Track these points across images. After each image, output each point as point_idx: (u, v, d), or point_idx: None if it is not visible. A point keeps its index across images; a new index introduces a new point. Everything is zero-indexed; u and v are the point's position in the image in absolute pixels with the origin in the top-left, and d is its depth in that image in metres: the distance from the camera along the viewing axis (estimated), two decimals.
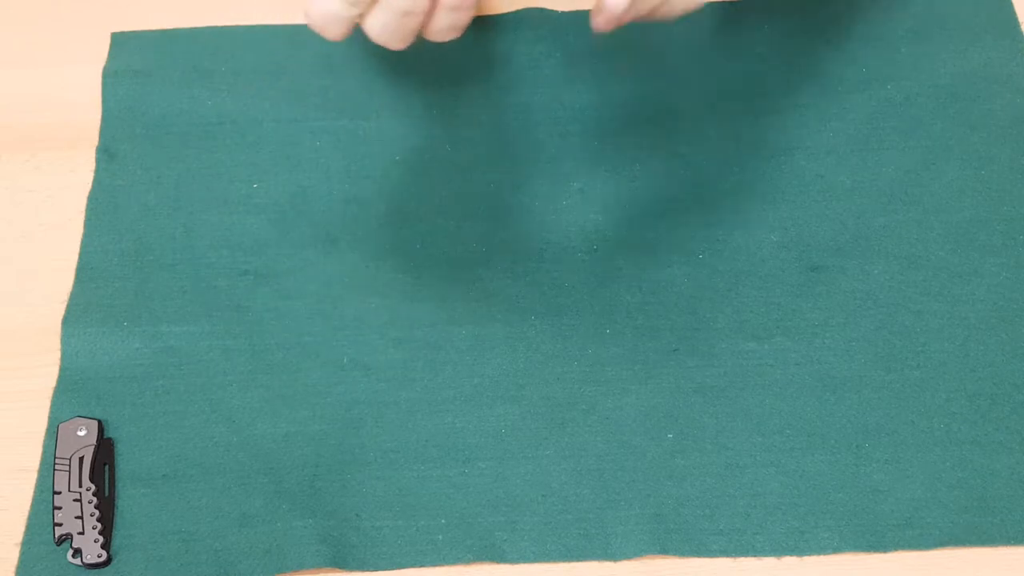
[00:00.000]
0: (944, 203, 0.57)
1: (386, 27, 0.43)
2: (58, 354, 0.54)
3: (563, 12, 0.65)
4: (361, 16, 0.43)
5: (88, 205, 0.59)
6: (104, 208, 0.59)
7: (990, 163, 0.58)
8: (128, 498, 0.50)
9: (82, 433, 0.51)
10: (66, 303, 0.56)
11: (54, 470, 0.50)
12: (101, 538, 0.48)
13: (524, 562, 0.48)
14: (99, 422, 0.51)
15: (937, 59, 0.62)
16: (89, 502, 0.49)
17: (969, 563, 0.48)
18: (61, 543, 0.49)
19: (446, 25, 0.44)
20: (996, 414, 0.51)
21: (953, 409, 0.51)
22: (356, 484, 0.50)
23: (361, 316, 0.55)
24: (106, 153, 0.61)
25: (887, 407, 0.51)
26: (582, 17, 0.65)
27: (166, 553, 0.49)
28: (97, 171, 0.60)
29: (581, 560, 0.48)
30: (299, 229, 0.58)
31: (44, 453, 0.51)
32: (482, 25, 0.64)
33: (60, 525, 0.49)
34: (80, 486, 0.50)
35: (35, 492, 0.50)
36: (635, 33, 0.63)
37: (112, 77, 0.63)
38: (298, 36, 0.65)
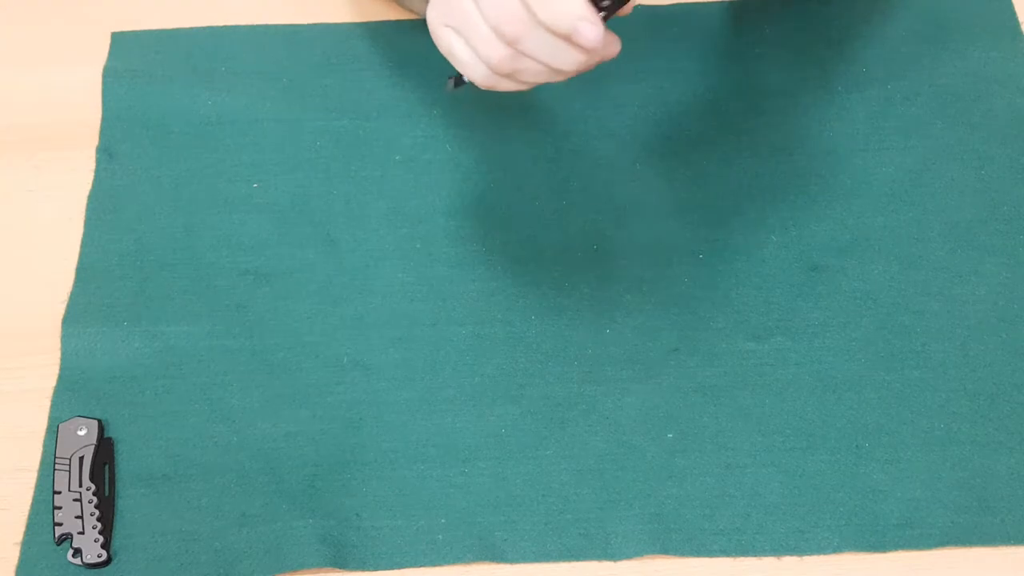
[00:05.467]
0: (944, 203, 0.57)
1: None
2: (58, 354, 0.54)
3: None
4: None
5: (88, 205, 0.59)
6: (104, 208, 0.59)
7: (990, 163, 0.58)
8: (128, 498, 0.50)
9: (82, 433, 0.51)
10: (66, 303, 0.56)
11: (54, 470, 0.50)
12: (101, 538, 0.48)
13: (524, 562, 0.48)
14: (99, 422, 0.51)
15: (937, 59, 0.62)
16: (89, 502, 0.49)
17: (969, 563, 0.48)
18: (61, 543, 0.49)
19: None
20: (996, 414, 0.51)
21: (953, 409, 0.51)
22: (356, 484, 0.50)
23: (361, 316, 0.55)
24: (106, 153, 0.61)
25: (887, 407, 0.51)
26: None
27: (166, 553, 0.49)
28: (97, 171, 0.60)
29: (581, 560, 0.48)
30: (299, 229, 0.58)
31: (44, 453, 0.51)
32: None
33: (60, 525, 0.49)
34: (80, 486, 0.50)
35: (35, 492, 0.50)
36: (635, 33, 0.64)
37: (112, 77, 0.63)
38: (298, 36, 0.65)
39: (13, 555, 0.49)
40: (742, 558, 0.48)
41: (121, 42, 0.65)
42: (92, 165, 0.60)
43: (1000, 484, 0.49)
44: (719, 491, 0.49)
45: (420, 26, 0.64)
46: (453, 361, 0.53)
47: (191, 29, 0.65)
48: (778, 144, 0.60)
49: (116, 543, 0.49)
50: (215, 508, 0.50)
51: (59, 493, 0.50)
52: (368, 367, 0.53)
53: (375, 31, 0.65)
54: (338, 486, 0.50)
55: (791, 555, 0.48)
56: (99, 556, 0.48)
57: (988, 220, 0.56)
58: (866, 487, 0.49)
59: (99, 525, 0.49)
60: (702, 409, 0.52)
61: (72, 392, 0.53)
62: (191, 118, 0.62)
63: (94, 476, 0.50)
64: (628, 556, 0.48)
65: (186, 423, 0.52)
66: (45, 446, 0.51)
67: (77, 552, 0.48)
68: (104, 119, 0.62)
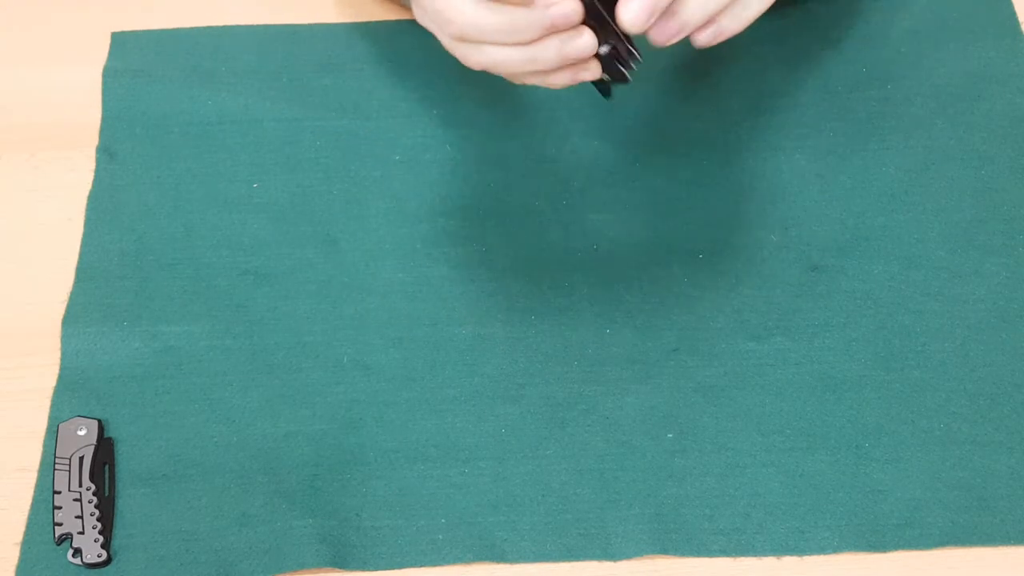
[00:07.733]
0: (944, 203, 0.57)
1: None
2: (58, 354, 0.54)
3: None
4: None
5: (88, 205, 0.59)
6: (104, 208, 0.59)
7: (990, 163, 0.58)
8: (128, 498, 0.50)
9: (82, 433, 0.51)
10: (66, 303, 0.56)
11: (54, 470, 0.50)
12: (101, 538, 0.48)
13: (524, 562, 0.48)
14: (99, 422, 0.51)
15: (937, 59, 0.62)
16: (89, 502, 0.49)
17: (969, 563, 0.48)
18: (61, 543, 0.49)
19: None
20: (996, 414, 0.51)
21: (953, 409, 0.51)
22: (356, 484, 0.50)
23: (361, 316, 0.55)
24: (106, 153, 0.61)
25: (887, 407, 0.51)
26: None
27: (166, 553, 0.49)
28: (97, 171, 0.60)
29: (581, 560, 0.48)
30: (299, 229, 0.58)
31: (44, 453, 0.51)
32: None
33: (60, 525, 0.49)
34: (80, 486, 0.50)
35: (35, 492, 0.50)
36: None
37: (112, 77, 0.63)
38: (298, 36, 0.65)
39: (13, 555, 0.49)
40: (742, 558, 0.48)
41: (121, 42, 0.65)
42: (92, 165, 0.60)
43: (1000, 484, 0.49)
44: (719, 491, 0.49)
45: (420, 26, 0.63)
46: (453, 361, 0.53)
47: (191, 29, 0.65)
48: (778, 144, 0.60)
49: (116, 543, 0.49)
50: (215, 508, 0.50)
51: (59, 493, 0.50)
52: (368, 367, 0.53)
53: (375, 31, 0.65)
54: (338, 486, 0.50)
55: (791, 555, 0.48)
56: (99, 556, 0.48)
57: (988, 220, 0.56)
58: (866, 487, 0.49)
59: (99, 525, 0.49)
60: (702, 409, 0.52)
61: (72, 392, 0.53)
62: (191, 118, 0.62)
63: (94, 476, 0.50)
64: (628, 556, 0.48)
65: (186, 423, 0.52)
66: (45, 446, 0.51)
67: (77, 552, 0.48)
68: (104, 119, 0.62)
